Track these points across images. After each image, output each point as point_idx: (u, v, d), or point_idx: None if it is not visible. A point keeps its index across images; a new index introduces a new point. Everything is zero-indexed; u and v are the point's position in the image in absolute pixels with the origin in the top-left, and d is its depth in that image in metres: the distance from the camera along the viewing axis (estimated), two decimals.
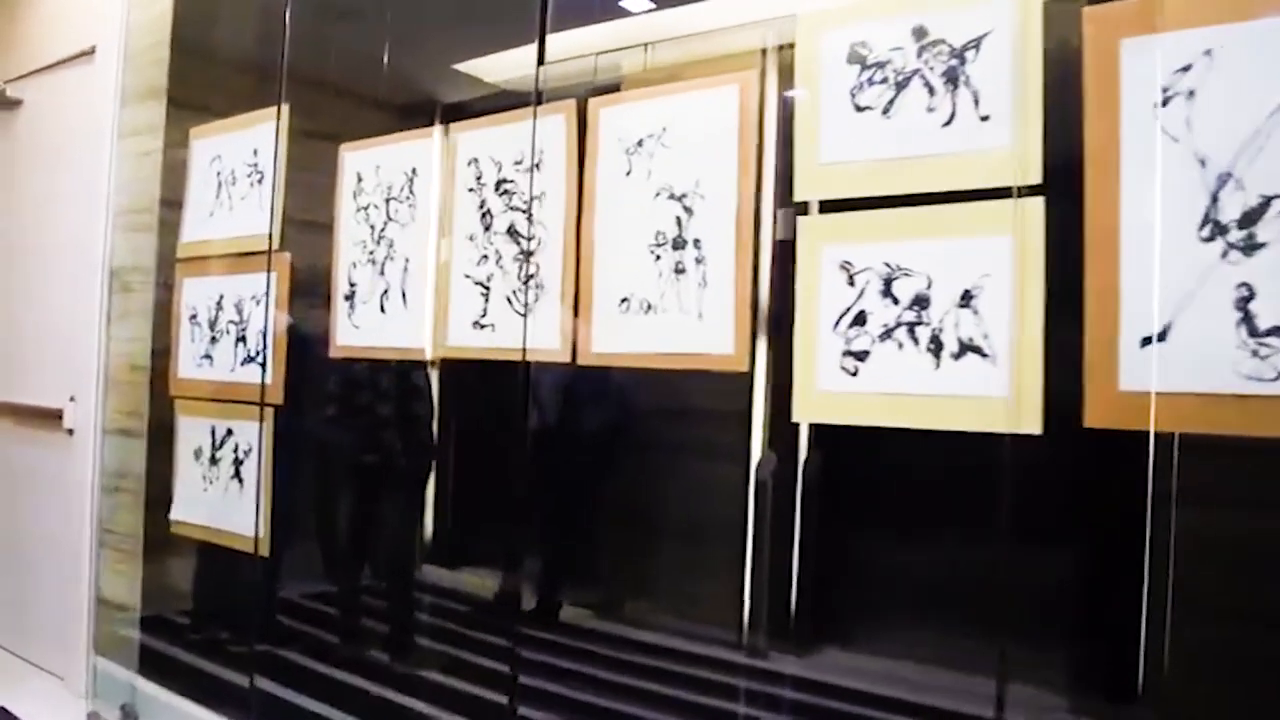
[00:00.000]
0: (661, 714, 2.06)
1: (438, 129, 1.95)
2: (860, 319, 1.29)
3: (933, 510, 1.80)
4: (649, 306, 1.52)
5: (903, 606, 1.93)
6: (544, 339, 1.67)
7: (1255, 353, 1.02)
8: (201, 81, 2.62)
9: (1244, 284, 1.04)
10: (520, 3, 1.81)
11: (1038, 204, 1.17)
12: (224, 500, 2.29)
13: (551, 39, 1.75)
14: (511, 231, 1.75)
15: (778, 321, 1.54)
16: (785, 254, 1.50)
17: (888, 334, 1.27)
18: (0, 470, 3.11)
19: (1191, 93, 1.08)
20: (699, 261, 1.47)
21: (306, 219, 2.25)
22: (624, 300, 1.56)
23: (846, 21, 1.33)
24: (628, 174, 1.57)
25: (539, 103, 1.70)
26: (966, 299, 1.22)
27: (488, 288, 1.78)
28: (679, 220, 1.50)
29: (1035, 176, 1.17)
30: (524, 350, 1.70)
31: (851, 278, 1.30)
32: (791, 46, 1.40)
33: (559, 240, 1.65)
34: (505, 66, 2.17)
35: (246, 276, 2.27)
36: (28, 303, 3.05)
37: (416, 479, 2.62)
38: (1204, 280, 1.06)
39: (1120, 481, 1.23)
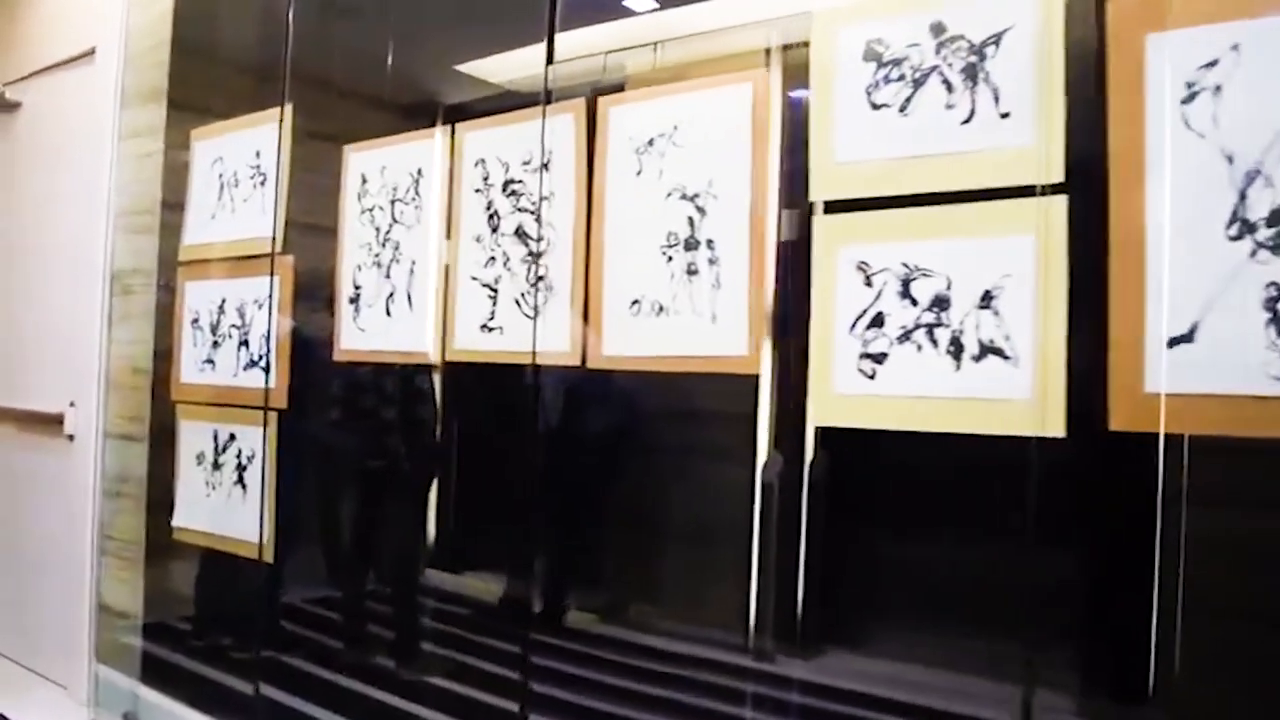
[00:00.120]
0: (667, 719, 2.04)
1: (444, 129, 1.92)
2: (878, 320, 1.27)
3: (940, 511, 1.78)
4: (661, 308, 1.50)
5: (911, 609, 1.91)
6: (553, 342, 1.65)
7: None
8: (202, 83, 2.60)
9: (1273, 283, 1.02)
10: (527, 2, 1.79)
11: (1060, 203, 1.15)
12: (227, 506, 2.26)
13: (558, 38, 1.73)
14: (519, 233, 1.73)
15: (783, 323, 1.52)
16: (789, 255, 1.48)
17: (906, 336, 1.25)
18: (1, 476, 3.09)
19: (1218, 88, 1.06)
20: (712, 262, 1.45)
21: (310, 221, 2.22)
22: (635, 302, 1.53)
23: (862, 18, 1.31)
24: (638, 174, 1.55)
25: (548, 102, 1.68)
26: (987, 300, 1.19)
27: (495, 290, 1.76)
28: (691, 221, 1.48)
29: (1058, 175, 1.15)
30: (534, 354, 1.67)
31: (869, 278, 1.28)
32: (797, 46, 1.38)
33: (568, 241, 1.63)
34: (511, 66, 2.15)
35: (249, 280, 2.25)
36: (28, 306, 3.02)
37: (421, 483, 2.60)
38: (1232, 280, 1.04)
39: (1140, 485, 1.21)
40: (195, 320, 2.40)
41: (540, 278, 1.67)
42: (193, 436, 2.38)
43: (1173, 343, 1.07)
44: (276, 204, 2.18)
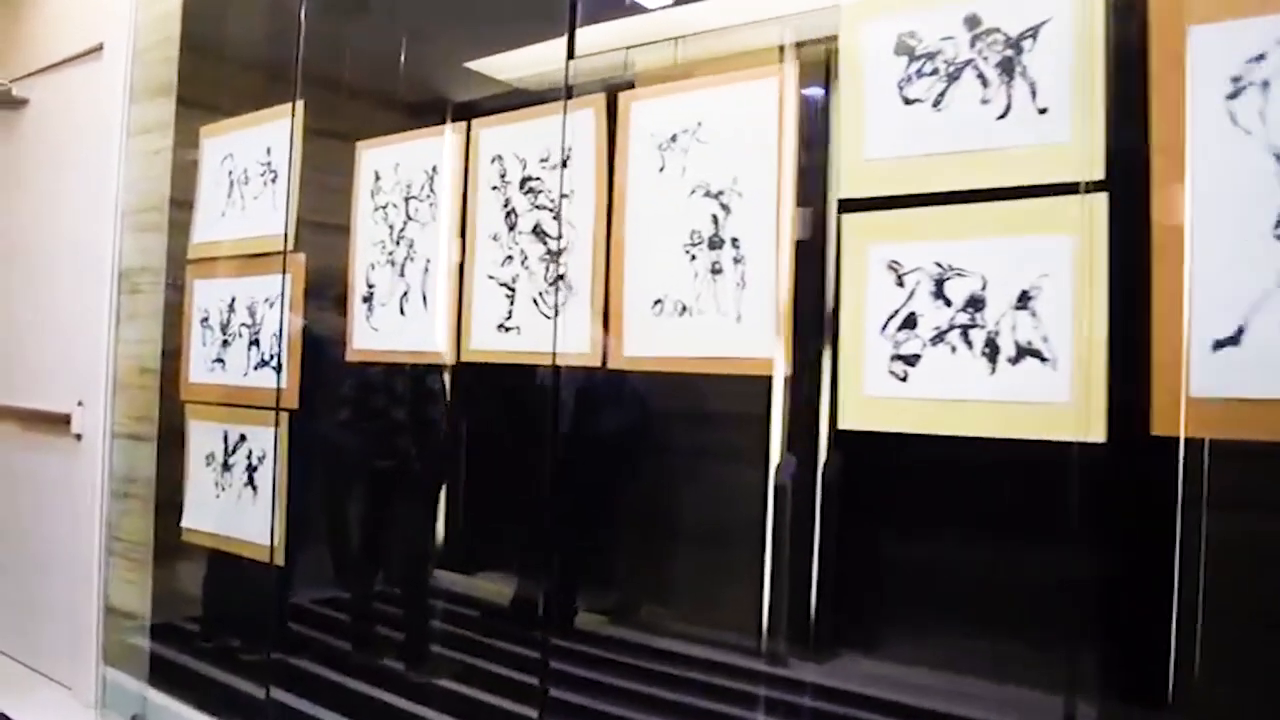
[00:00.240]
0: None
1: (459, 125, 1.89)
2: (910, 321, 1.24)
3: (958, 513, 1.75)
4: (684, 308, 1.47)
5: (926, 612, 1.88)
6: (573, 342, 1.62)
7: None
8: (212, 79, 2.57)
9: None
10: None
11: (1101, 200, 1.12)
12: (237, 507, 2.24)
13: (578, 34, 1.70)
14: (537, 231, 1.70)
15: (797, 323, 1.49)
16: (805, 254, 1.45)
17: (940, 337, 1.22)
18: (8, 476, 3.06)
19: (1266, 83, 1.03)
20: (737, 261, 1.42)
21: (322, 219, 2.20)
22: (657, 302, 1.50)
23: (893, 11, 1.27)
24: (661, 170, 1.51)
25: (569, 98, 1.65)
26: (1024, 300, 1.16)
27: (513, 289, 1.73)
28: (715, 218, 1.45)
29: (1098, 172, 1.12)
30: (554, 354, 1.64)
31: (900, 278, 1.25)
32: (812, 43, 1.35)
33: (589, 240, 1.60)
34: (527, 62, 2.12)
35: (260, 278, 2.22)
36: (35, 305, 3.00)
37: (432, 484, 2.58)
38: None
39: (1176, 491, 1.18)
40: (205, 319, 2.37)
41: (560, 277, 1.64)
42: (202, 437, 2.36)
43: (1218, 345, 1.04)
44: (289, 201, 2.15)
